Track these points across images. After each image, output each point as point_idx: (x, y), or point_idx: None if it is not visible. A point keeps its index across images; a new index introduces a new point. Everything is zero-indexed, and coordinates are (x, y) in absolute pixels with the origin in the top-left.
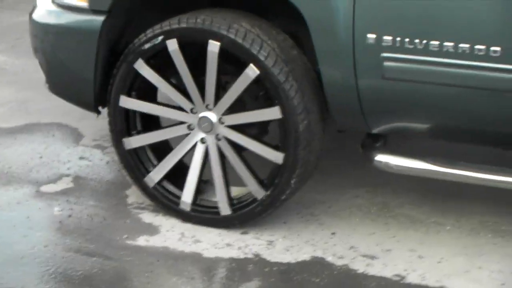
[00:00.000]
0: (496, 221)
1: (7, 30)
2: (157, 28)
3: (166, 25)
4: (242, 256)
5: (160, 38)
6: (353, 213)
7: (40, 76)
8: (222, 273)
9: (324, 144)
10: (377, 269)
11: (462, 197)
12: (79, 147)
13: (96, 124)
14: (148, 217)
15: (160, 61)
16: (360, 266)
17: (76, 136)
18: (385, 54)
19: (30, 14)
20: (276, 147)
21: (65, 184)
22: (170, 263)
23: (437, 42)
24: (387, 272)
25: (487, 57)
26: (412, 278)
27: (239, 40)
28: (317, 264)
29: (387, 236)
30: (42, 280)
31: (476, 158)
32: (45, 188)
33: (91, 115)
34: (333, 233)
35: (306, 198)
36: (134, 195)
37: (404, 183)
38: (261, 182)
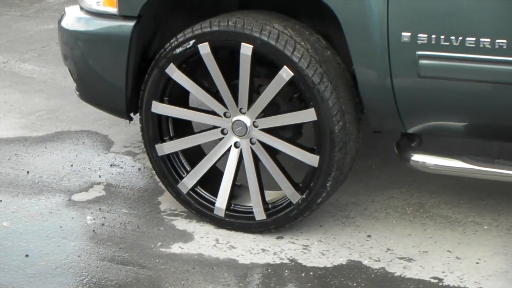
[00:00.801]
0: None
1: (33, 39)
2: (188, 32)
3: (197, 29)
4: (277, 261)
5: (192, 42)
6: (389, 215)
7: (69, 84)
8: (258, 279)
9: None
10: (414, 272)
11: (499, 195)
12: (109, 154)
13: (126, 130)
14: (181, 224)
15: (192, 65)
16: (397, 269)
17: (106, 143)
18: (420, 52)
19: (59, 21)
20: (311, 150)
21: (97, 192)
22: (206, 270)
23: (473, 38)
24: (425, 274)
25: None
26: (450, 280)
27: (272, 42)
28: (353, 268)
29: (424, 237)
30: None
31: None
32: (77, 197)
33: (121, 121)
34: (369, 236)
35: (341, 200)
36: (167, 202)
37: (439, 182)
38: (296, 186)
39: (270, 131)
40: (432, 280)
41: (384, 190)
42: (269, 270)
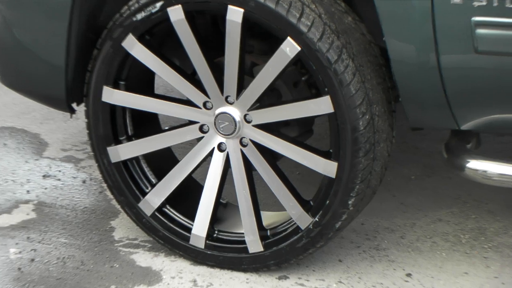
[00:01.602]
0: None
1: None
2: None
3: None
4: None
5: (159, 4)
6: (436, 245)
7: None
8: None
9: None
10: None
11: None
12: (42, 161)
13: (66, 127)
14: (144, 258)
15: (159, 37)
16: None
17: (37, 145)
18: (477, 18)
19: None
20: (326, 154)
21: (24, 214)
22: None
23: None
24: None
25: None
26: None
27: (271, 4)
28: None
29: (487, 277)
30: None
31: None
32: None
33: (58, 114)
34: (408, 275)
35: (368, 224)
36: (123, 227)
37: (505, 199)
38: (305, 205)
39: (268, 128)
40: None
41: (427, 210)
42: None
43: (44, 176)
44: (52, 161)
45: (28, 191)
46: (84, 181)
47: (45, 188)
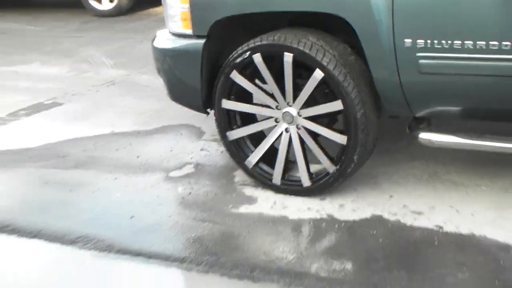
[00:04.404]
0: None
1: (151, 57)
2: (245, 46)
3: (251, 43)
4: (318, 216)
5: (248, 53)
6: (409, 181)
7: None
8: (303, 230)
9: (380, 129)
10: (422, 222)
11: (496, 162)
12: (201, 141)
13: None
14: (249, 191)
15: (250, 71)
16: (409, 220)
17: (199, 133)
18: (419, 54)
19: (152, 42)
20: (341, 132)
21: (188, 170)
22: (263, 224)
23: (459, 41)
24: (430, 224)
25: (500, 51)
26: (448, 228)
27: (307, 51)
28: (376, 220)
29: (434, 197)
30: (166, 241)
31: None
32: (173, 174)
33: (211, 116)
34: (391, 196)
35: (374, 170)
36: (240, 175)
37: (452, 155)
38: (332, 159)
39: (311, 118)
40: (435, 228)
41: (407, 162)
42: (311, 223)
43: (201, 150)
44: (206, 142)
45: (191, 158)
46: (221, 152)
47: (201, 156)
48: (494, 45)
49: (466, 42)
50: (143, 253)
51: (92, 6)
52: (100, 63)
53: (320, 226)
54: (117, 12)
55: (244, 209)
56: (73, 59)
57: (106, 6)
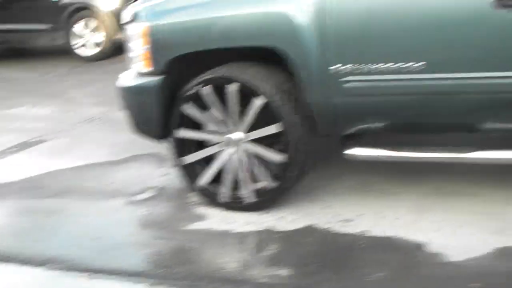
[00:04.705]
0: (439, 186)
1: None
2: (196, 80)
3: (202, 77)
4: (261, 228)
5: (198, 86)
6: (343, 191)
7: None
8: (246, 241)
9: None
10: (350, 228)
11: (422, 170)
12: (164, 168)
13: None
14: (201, 209)
15: (201, 102)
16: (339, 227)
17: (164, 160)
18: (344, 79)
19: (117, 83)
20: (281, 151)
21: (150, 193)
22: (212, 238)
23: (375, 65)
24: (357, 229)
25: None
26: (375, 232)
27: (249, 81)
28: (311, 229)
29: (364, 205)
30: (126, 258)
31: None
32: (137, 198)
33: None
34: (326, 206)
35: (312, 183)
36: (194, 196)
37: (385, 167)
38: (273, 176)
39: (255, 141)
40: (361, 233)
41: (342, 175)
42: (254, 235)
43: (163, 175)
44: (169, 168)
45: (154, 183)
46: (180, 176)
47: (163, 181)
48: (410, 65)
49: (387, 65)
50: (105, 270)
51: (78, 54)
52: (83, 103)
53: (262, 237)
54: (102, 56)
55: (196, 225)
56: (59, 100)
57: (91, 52)
